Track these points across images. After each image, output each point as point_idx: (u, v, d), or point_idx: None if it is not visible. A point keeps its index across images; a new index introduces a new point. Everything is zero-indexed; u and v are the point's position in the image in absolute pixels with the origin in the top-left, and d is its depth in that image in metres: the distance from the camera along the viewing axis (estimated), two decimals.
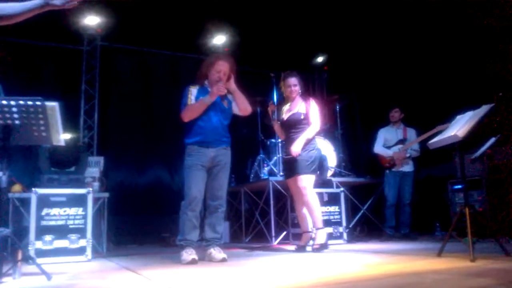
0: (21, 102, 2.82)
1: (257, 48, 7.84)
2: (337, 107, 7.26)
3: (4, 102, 2.81)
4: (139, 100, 7.67)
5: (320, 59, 9.03)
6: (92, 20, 7.03)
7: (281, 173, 6.33)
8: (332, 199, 5.56)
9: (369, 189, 6.66)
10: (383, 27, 6.92)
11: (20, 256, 2.96)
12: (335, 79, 8.92)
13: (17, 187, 4.73)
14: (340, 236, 5.44)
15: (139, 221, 6.72)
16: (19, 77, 6.58)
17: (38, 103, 2.83)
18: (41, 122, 2.90)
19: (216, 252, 3.77)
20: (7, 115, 2.84)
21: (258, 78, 7.60)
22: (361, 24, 7.09)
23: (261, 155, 6.69)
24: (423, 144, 5.59)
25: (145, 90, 7.78)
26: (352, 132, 7.58)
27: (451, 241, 3.57)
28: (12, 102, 2.81)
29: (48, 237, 4.13)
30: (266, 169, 6.56)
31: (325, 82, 9.36)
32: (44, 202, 4.18)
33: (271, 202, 5.88)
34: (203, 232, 3.95)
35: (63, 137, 3.08)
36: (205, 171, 3.86)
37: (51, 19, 6.18)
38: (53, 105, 2.89)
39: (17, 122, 2.86)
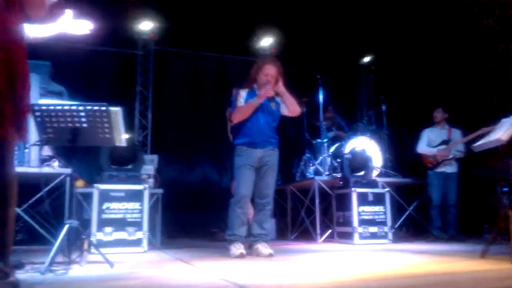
0: (89, 107, 3.13)
1: (304, 49, 7.98)
2: (383, 107, 7.28)
3: (74, 107, 3.13)
4: (189, 101, 8.02)
5: (366, 59, 9.05)
6: (146, 26, 7.49)
7: (327, 173, 6.47)
8: (377, 199, 5.62)
9: (415, 190, 6.65)
10: (429, 27, 6.87)
11: (86, 245, 3.27)
12: (382, 79, 8.90)
13: (80, 183, 5.13)
14: (385, 236, 5.50)
15: (190, 216, 7.05)
16: (80, 80, 7.06)
17: (103, 108, 3.13)
18: (106, 125, 3.20)
19: (263, 248, 3.96)
20: (76, 119, 3.15)
21: (304, 79, 7.73)
22: (407, 24, 7.07)
23: (307, 155, 6.84)
24: (468, 145, 5.56)
25: (195, 91, 8.12)
26: (398, 132, 7.56)
27: (502, 244, 3.58)
28: (81, 107, 3.12)
29: (108, 229, 4.47)
30: (311, 168, 6.70)
31: (371, 82, 9.36)
32: (105, 197, 4.53)
33: (317, 200, 6.01)
34: (251, 228, 4.16)
35: (124, 138, 3.39)
36: (253, 170, 4.05)
37: (109, 26, 6.66)
38: (116, 110, 3.20)
39: (84, 125, 3.17)
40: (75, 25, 2.87)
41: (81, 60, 7.17)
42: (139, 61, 7.71)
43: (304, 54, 8.04)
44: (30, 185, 4.60)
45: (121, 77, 7.59)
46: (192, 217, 7.12)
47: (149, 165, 5.45)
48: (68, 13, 2.81)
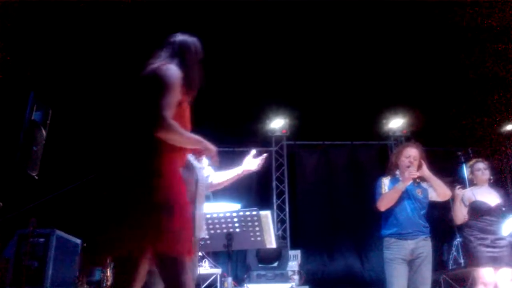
0: (241, 212, 3.31)
1: (438, 126, 7.66)
2: None
3: (228, 214, 3.33)
4: (323, 191, 8.04)
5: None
6: (277, 124, 7.95)
7: None
8: None
9: None
10: None
11: None
12: None
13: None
14: None
15: None
16: None
17: (254, 212, 3.28)
18: (257, 228, 3.33)
19: None
20: (230, 224, 3.34)
21: (442, 157, 7.33)
22: None
23: (458, 239, 6.27)
24: None
25: (327, 180, 8.15)
26: None
27: None
28: (234, 214, 3.31)
29: None
30: None
31: None
32: None
33: None
34: None
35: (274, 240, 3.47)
36: (406, 264, 3.79)
37: (246, 128, 7.22)
38: (266, 213, 3.33)
39: (237, 230, 3.34)
40: (254, 163, 3.14)
41: (224, 160, 7.69)
42: (274, 157, 8.05)
43: (438, 130, 7.71)
44: None
45: (258, 174, 7.92)
46: None
47: (293, 261, 5.44)
48: (252, 152, 3.14)
